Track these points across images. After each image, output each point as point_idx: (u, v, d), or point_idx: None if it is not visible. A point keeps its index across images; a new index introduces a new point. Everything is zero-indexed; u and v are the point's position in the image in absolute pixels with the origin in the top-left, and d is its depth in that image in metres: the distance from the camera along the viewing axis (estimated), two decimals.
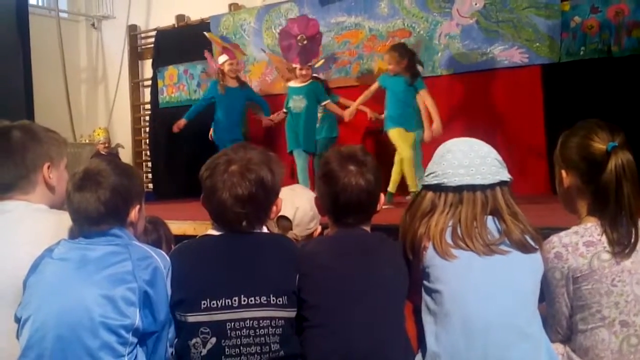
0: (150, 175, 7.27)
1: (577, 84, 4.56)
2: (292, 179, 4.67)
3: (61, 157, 1.80)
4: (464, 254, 1.48)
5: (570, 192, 1.65)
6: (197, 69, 6.68)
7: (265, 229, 1.63)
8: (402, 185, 4.86)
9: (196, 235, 1.69)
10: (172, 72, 6.86)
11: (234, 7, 6.53)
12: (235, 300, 1.47)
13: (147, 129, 7.36)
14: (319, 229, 2.11)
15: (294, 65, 4.83)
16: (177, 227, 3.31)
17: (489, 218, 1.53)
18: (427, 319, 1.51)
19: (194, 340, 1.46)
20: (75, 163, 1.62)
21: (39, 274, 1.48)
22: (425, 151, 4.41)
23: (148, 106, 7.39)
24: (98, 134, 6.72)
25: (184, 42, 6.74)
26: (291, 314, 1.52)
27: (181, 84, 6.75)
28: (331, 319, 1.50)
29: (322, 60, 5.72)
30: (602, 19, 4.58)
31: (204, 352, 1.45)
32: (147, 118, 7.40)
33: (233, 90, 5.09)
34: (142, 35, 7.55)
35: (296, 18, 4.89)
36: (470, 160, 1.55)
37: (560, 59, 4.74)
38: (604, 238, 1.54)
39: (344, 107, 5.28)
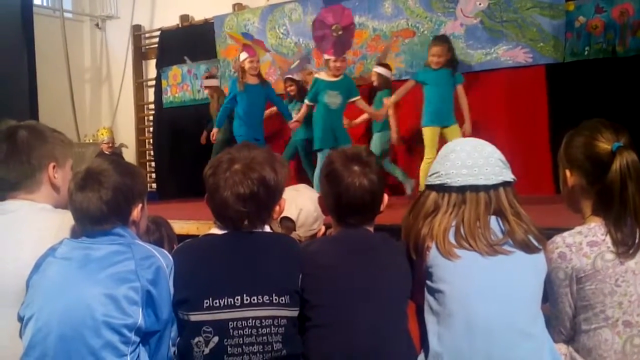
0: (154, 175, 7.29)
1: (582, 84, 4.56)
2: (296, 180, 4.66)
3: (66, 157, 1.81)
4: (468, 254, 1.48)
5: (574, 191, 1.64)
6: (201, 69, 6.69)
7: (268, 229, 1.63)
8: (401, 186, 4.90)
9: (199, 235, 1.70)
10: (176, 72, 6.87)
11: (238, 7, 6.55)
12: (237, 300, 1.47)
13: (151, 129, 7.39)
14: (323, 229, 2.11)
15: (326, 57, 4.54)
16: (180, 226, 3.33)
17: (493, 218, 1.53)
18: (429, 319, 1.51)
19: (196, 339, 1.47)
20: (79, 163, 1.63)
21: (42, 273, 1.48)
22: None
23: (152, 106, 7.42)
24: (102, 134, 6.72)
25: (187, 42, 6.76)
26: (294, 313, 1.52)
27: (185, 84, 6.77)
28: (334, 319, 1.50)
29: (298, 62, 5.78)
30: (607, 19, 4.57)
31: (207, 351, 1.45)
32: (151, 118, 7.43)
33: (253, 88, 4.92)
34: (146, 35, 7.57)
35: (330, 7, 4.58)
36: (473, 161, 1.55)
37: (565, 58, 4.74)
38: (607, 238, 1.53)
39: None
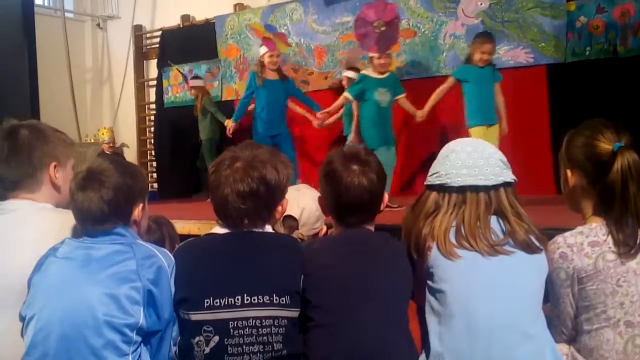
0: (155, 175, 7.30)
1: (583, 84, 4.56)
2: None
3: (68, 157, 1.81)
4: (468, 254, 1.48)
5: (575, 192, 1.64)
6: (202, 69, 6.70)
7: (270, 229, 1.63)
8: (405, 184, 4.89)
9: (201, 235, 1.70)
10: (177, 72, 6.87)
11: (239, 7, 6.55)
12: (238, 299, 1.47)
13: (152, 129, 7.39)
14: (324, 228, 2.11)
15: (370, 54, 4.45)
16: (182, 226, 3.33)
17: (493, 218, 1.53)
18: (430, 319, 1.51)
19: (197, 339, 1.47)
20: (80, 162, 1.62)
21: (44, 272, 1.48)
22: None
23: (153, 106, 7.43)
24: (102, 134, 6.73)
25: (188, 42, 6.76)
26: (294, 313, 1.52)
27: (186, 84, 6.76)
28: (335, 319, 1.50)
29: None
30: (608, 19, 4.57)
31: (207, 350, 1.45)
32: (152, 118, 7.43)
33: (273, 83, 4.79)
34: (147, 35, 7.58)
35: (371, 3, 4.45)
36: (473, 161, 1.54)
37: (566, 59, 4.74)
38: (609, 238, 1.53)
39: (291, 111, 5.43)
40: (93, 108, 8.00)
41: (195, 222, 3.60)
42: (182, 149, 6.72)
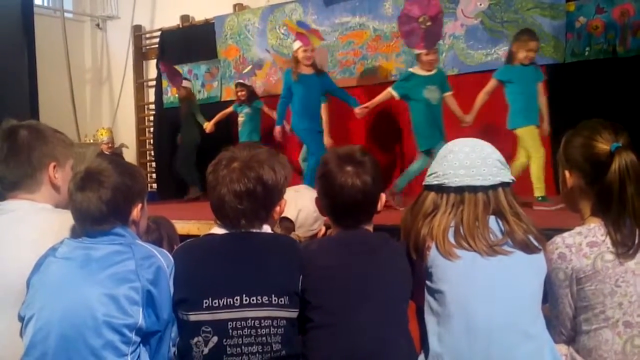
0: (154, 175, 7.29)
1: (582, 84, 4.55)
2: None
3: (67, 157, 1.81)
4: (467, 254, 1.48)
5: (573, 192, 1.64)
6: (202, 69, 6.70)
7: (268, 229, 1.63)
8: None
9: (200, 235, 1.70)
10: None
11: (239, 8, 6.55)
12: (237, 300, 1.47)
13: (152, 129, 7.38)
14: (323, 229, 2.11)
15: (417, 51, 4.30)
16: (181, 226, 3.33)
17: (492, 218, 1.53)
18: (429, 319, 1.51)
19: (195, 339, 1.47)
20: (80, 163, 1.63)
21: (43, 273, 1.48)
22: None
23: (152, 106, 7.42)
24: (101, 134, 6.71)
25: (188, 43, 6.76)
26: (293, 314, 1.52)
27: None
28: (334, 320, 1.50)
29: (250, 67, 5.79)
30: (608, 20, 4.57)
31: (206, 351, 1.46)
32: (152, 118, 7.42)
33: (308, 78, 4.62)
34: (147, 35, 7.57)
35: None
36: (471, 161, 1.55)
37: (565, 59, 4.73)
38: (607, 239, 1.53)
39: (268, 115, 5.56)
40: (92, 108, 8.00)
41: (195, 223, 3.60)
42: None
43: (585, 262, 1.52)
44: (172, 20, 7.01)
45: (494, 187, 1.54)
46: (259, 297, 1.47)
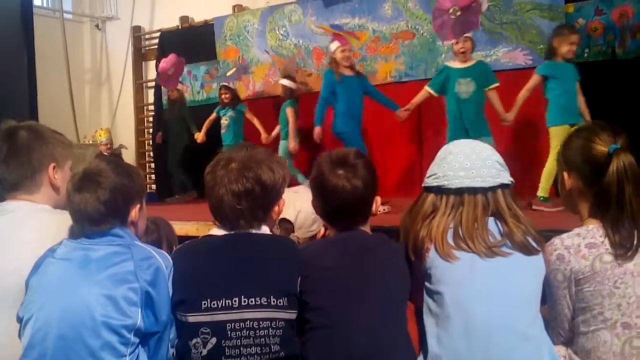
0: (153, 176, 7.29)
1: (581, 85, 4.55)
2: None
3: (66, 158, 1.81)
4: (466, 255, 1.48)
5: (572, 194, 1.64)
6: (201, 70, 6.70)
7: (267, 230, 1.63)
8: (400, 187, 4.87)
9: (199, 236, 1.70)
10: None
11: (238, 9, 6.56)
12: (235, 301, 1.47)
13: (151, 130, 7.38)
14: (322, 230, 2.11)
15: (447, 43, 4.15)
16: (180, 227, 3.33)
17: (491, 220, 1.53)
18: (428, 320, 1.51)
19: (194, 341, 1.47)
20: (79, 164, 1.63)
21: (42, 273, 1.48)
22: None
23: (151, 107, 7.42)
24: (100, 135, 6.67)
25: (187, 43, 6.76)
26: (291, 315, 1.52)
27: (184, 85, 6.76)
28: (332, 321, 1.50)
29: (234, 69, 5.80)
30: (606, 21, 4.58)
31: (204, 352, 1.45)
32: (151, 119, 7.42)
33: (350, 79, 4.52)
34: (146, 36, 7.58)
35: None
36: (471, 163, 1.55)
37: None
38: (606, 240, 1.53)
39: (249, 120, 5.66)
40: (91, 109, 7.99)
41: (194, 223, 3.60)
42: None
43: (584, 263, 1.52)
44: (171, 21, 7.02)
45: (493, 189, 1.54)
46: (257, 299, 1.47)
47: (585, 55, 4.65)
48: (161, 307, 1.47)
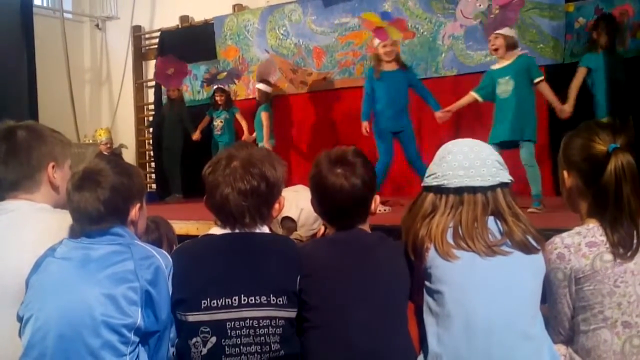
0: (153, 176, 7.29)
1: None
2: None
3: (65, 157, 1.81)
4: (466, 254, 1.48)
5: (572, 193, 1.64)
6: (201, 70, 6.70)
7: (266, 229, 1.63)
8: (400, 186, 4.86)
9: (199, 235, 1.70)
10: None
11: (238, 8, 6.55)
12: (235, 300, 1.47)
13: (151, 130, 7.37)
14: (322, 229, 2.11)
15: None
16: (180, 227, 3.33)
17: (491, 219, 1.53)
18: (428, 319, 1.51)
19: (194, 340, 1.47)
20: (79, 163, 1.63)
21: (42, 273, 1.48)
22: None
23: (152, 107, 7.41)
24: (100, 135, 6.65)
25: (187, 43, 6.76)
26: (291, 314, 1.52)
27: (185, 85, 6.75)
28: (331, 320, 1.51)
29: (225, 73, 5.82)
30: None
31: (204, 351, 1.46)
32: (151, 119, 7.42)
33: (392, 74, 4.36)
34: (146, 36, 7.57)
35: None
36: (470, 162, 1.55)
37: (565, 59, 4.74)
38: (606, 239, 1.53)
39: (239, 122, 5.79)
40: (92, 109, 7.99)
41: (194, 223, 3.60)
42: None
43: (584, 262, 1.52)
44: (171, 21, 7.01)
45: (492, 188, 1.54)
46: (257, 297, 1.47)
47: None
48: (161, 307, 1.47)
